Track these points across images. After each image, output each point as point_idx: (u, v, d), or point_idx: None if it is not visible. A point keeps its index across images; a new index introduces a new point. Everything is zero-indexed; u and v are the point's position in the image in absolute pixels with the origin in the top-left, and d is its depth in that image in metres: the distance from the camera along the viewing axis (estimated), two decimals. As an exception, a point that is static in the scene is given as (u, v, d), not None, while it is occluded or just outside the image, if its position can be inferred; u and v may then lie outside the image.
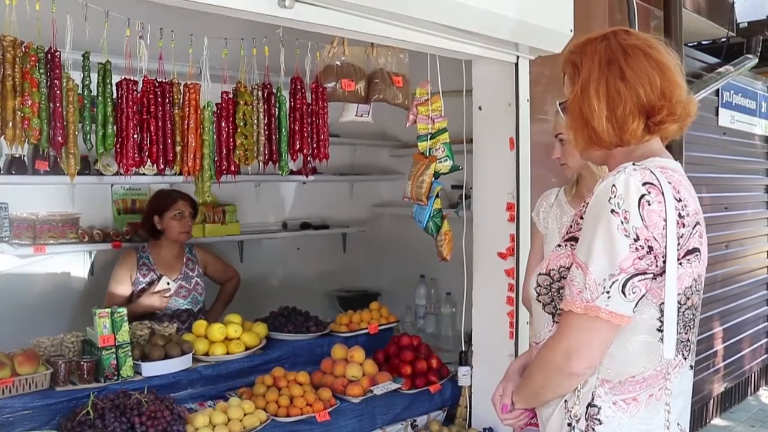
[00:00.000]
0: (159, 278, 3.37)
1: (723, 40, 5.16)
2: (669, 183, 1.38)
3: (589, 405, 1.44)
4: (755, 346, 5.89)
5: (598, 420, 1.43)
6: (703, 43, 5.42)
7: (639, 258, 1.33)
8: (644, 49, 1.47)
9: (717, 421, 5.32)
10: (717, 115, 5.26)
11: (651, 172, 1.37)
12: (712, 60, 5.15)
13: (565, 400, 1.48)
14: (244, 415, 2.61)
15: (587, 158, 1.64)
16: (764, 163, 6.13)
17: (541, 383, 1.50)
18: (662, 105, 1.44)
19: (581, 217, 1.46)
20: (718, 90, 5.10)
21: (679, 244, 1.37)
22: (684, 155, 4.14)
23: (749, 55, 5.19)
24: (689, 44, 5.17)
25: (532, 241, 2.57)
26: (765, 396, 5.99)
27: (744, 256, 5.71)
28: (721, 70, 4.95)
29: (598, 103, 1.46)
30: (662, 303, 1.39)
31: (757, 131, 5.92)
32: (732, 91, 5.43)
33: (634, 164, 1.40)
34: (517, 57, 3.04)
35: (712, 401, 5.27)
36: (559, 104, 1.64)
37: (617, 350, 1.42)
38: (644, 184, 1.35)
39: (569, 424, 1.46)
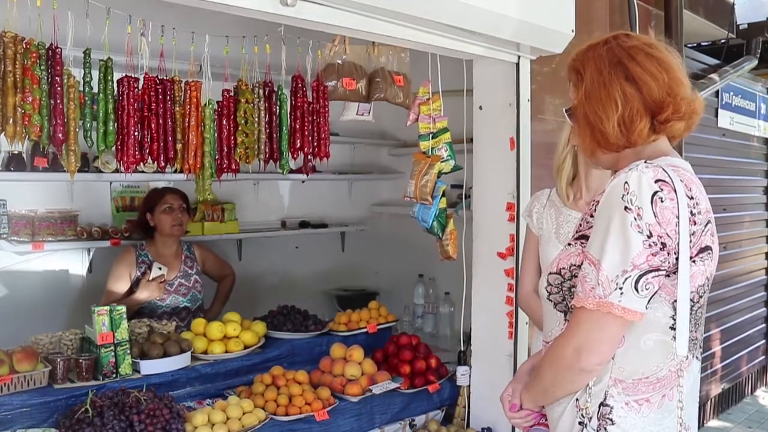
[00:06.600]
0: (150, 266, 3.35)
1: (723, 41, 5.17)
2: (681, 181, 1.38)
3: (602, 404, 1.44)
4: (753, 347, 5.90)
5: (611, 420, 1.43)
6: (703, 44, 5.42)
7: (652, 254, 1.33)
8: (646, 50, 1.48)
9: (714, 422, 5.32)
10: (716, 116, 5.26)
11: (663, 169, 1.38)
12: (712, 61, 5.15)
13: (576, 399, 1.47)
14: (243, 413, 2.60)
15: (596, 163, 1.64)
16: (763, 164, 6.13)
17: (551, 380, 1.49)
18: (668, 102, 1.45)
19: (591, 215, 1.46)
20: (717, 91, 5.10)
21: (691, 242, 1.37)
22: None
23: (749, 57, 5.19)
24: (689, 45, 5.17)
25: (526, 243, 2.56)
26: (762, 397, 6.00)
27: (742, 258, 5.71)
28: (720, 71, 4.95)
29: (605, 106, 1.47)
30: (675, 300, 1.38)
31: (756, 133, 5.92)
32: (731, 93, 5.43)
33: (646, 162, 1.40)
34: (519, 57, 3.04)
35: (709, 402, 5.28)
36: (566, 111, 1.64)
37: (631, 349, 1.42)
38: (657, 181, 1.35)
39: (581, 423, 1.45)
